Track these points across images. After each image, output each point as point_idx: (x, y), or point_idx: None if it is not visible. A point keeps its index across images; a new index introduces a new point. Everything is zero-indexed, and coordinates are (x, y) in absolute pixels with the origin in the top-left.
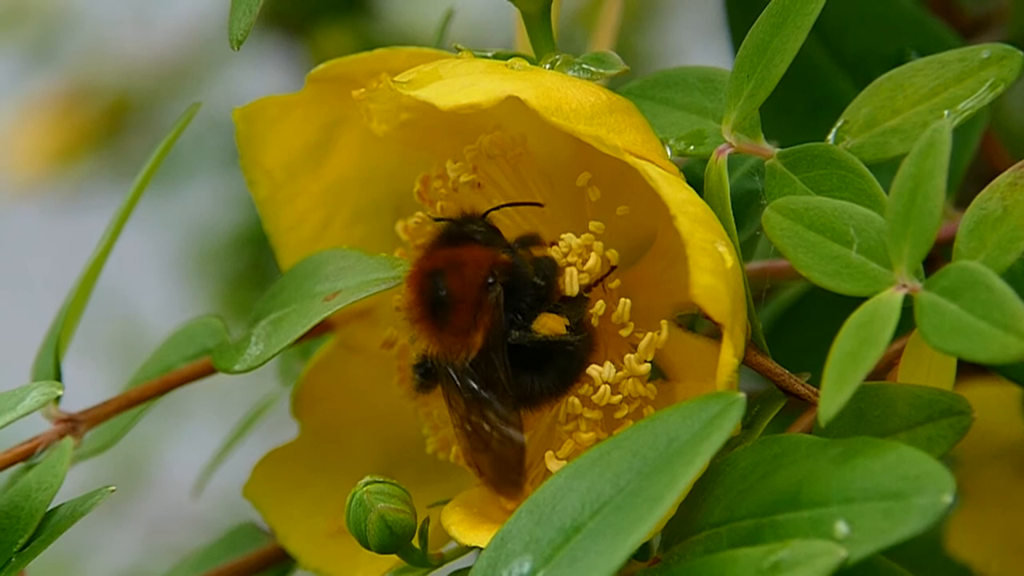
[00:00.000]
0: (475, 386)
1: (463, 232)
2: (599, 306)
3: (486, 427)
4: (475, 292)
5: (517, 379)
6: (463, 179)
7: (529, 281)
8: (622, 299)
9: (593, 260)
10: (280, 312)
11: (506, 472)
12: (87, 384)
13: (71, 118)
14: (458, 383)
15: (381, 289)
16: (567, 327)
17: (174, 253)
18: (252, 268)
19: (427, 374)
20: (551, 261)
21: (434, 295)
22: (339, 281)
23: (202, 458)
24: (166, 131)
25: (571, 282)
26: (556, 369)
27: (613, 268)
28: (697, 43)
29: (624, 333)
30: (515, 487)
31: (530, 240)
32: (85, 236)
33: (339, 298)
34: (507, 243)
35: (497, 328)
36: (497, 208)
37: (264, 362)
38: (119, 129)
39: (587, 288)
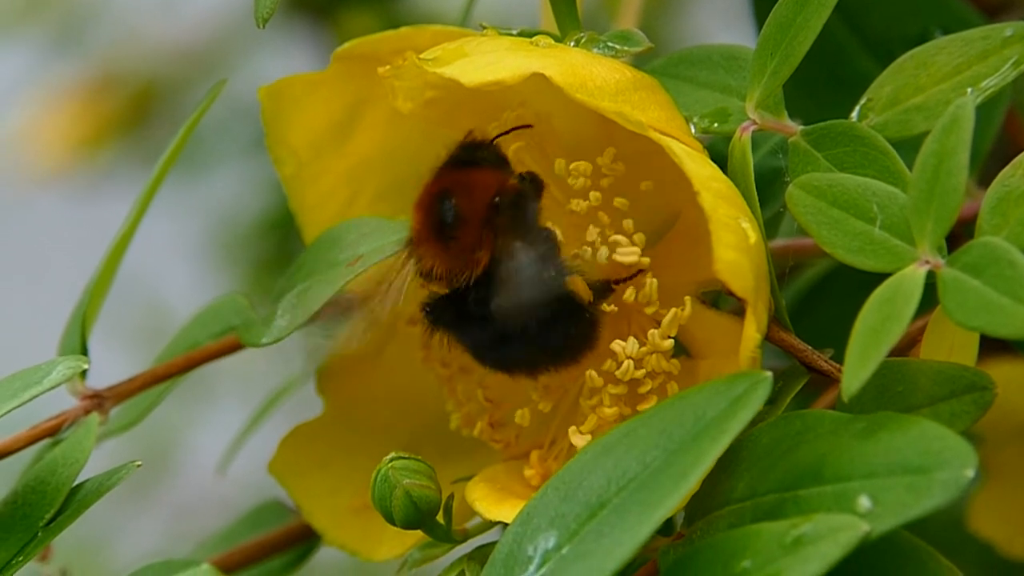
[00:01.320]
0: (477, 303)
1: (472, 157)
2: (628, 292)
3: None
4: (482, 210)
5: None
6: None
7: (536, 209)
8: (648, 278)
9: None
10: (305, 283)
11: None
12: (116, 369)
13: (97, 106)
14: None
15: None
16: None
17: (201, 239)
18: (278, 253)
19: (436, 311)
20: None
21: (441, 214)
22: (360, 247)
23: (225, 443)
24: (194, 112)
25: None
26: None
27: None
28: (721, 25)
29: (649, 310)
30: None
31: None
32: (110, 223)
33: (361, 262)
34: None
35: (502, 247)
36: (504, 133)
37: (291, 331)
38: (145, 116)
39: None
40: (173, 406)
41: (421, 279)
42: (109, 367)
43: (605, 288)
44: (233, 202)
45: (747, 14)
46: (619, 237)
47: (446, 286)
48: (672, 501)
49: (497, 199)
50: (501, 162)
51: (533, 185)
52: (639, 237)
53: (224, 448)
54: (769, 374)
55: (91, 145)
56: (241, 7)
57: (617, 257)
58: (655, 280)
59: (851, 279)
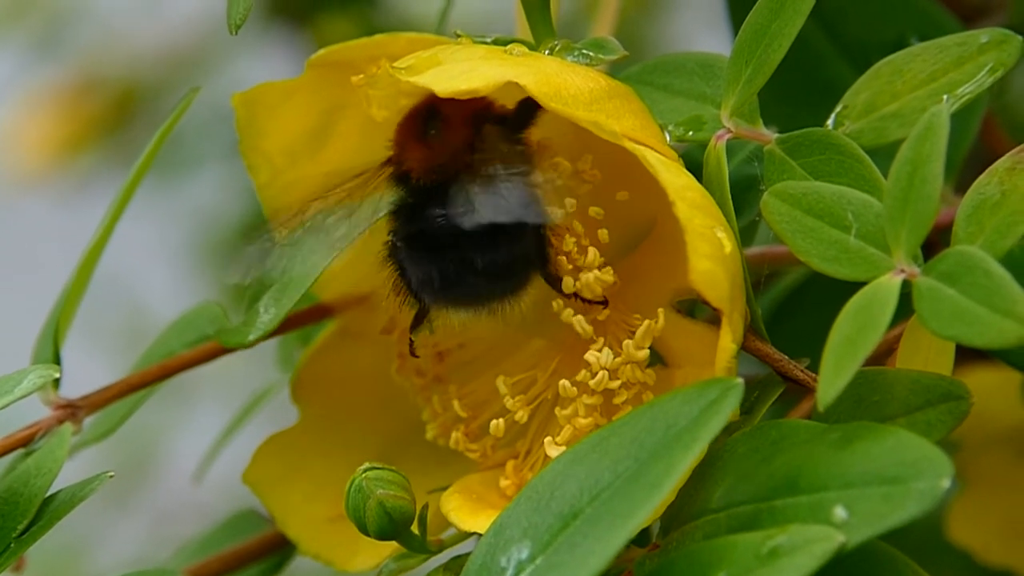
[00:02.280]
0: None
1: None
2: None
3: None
4: (465, 115)
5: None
6: None
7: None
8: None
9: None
10: (284, 279)
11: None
12: (94, 374)
13: (78, 109)
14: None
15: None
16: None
17: (181, 243)
18: None
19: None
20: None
21: (424, 118)
22: None
23: (205, 449)
24: (170, 117)
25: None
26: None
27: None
28: (700, 30)
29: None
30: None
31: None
32: (92, 226)
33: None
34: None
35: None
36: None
37: (277, 323)
38: (126, 120)
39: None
40: (152, 411)
41: (395, 190)
42: (89, 371)
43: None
44: (214, 205)
45: (725, 17)
46: (589, 265)
47: (420, 185)
48: (645, 511)
49: (482, 114)
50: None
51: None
52: (606, 271)
53: (202, 452)
54: (741, 381)
55: (73, 148)
56: (222, 11)
57: (582, 282)
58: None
59: (826, 287)
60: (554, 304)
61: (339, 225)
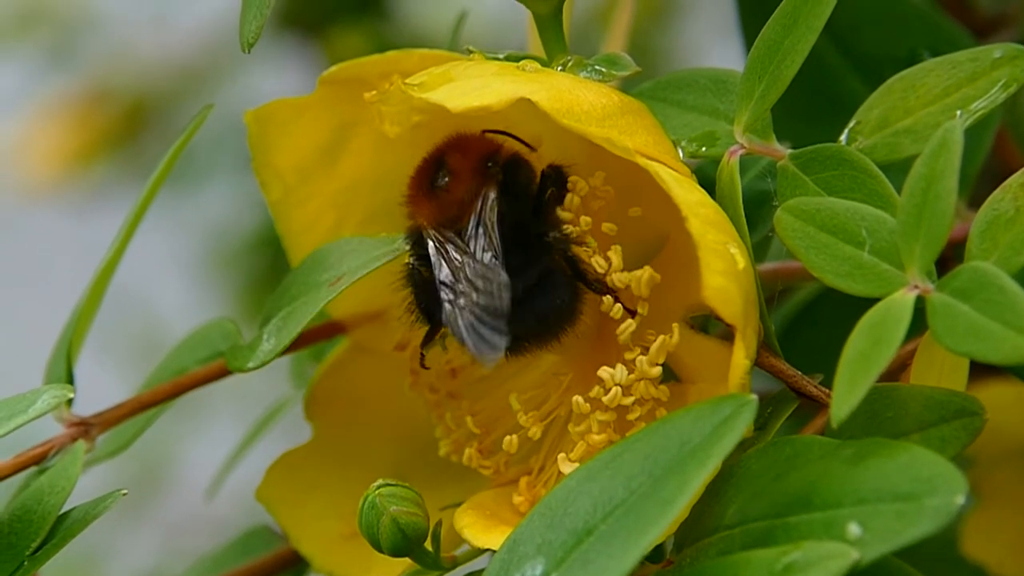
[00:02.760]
0: (462, 256)
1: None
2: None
3: (464, 280)
4: (474, 164)
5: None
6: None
7: (530, 182)
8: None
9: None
10: (289, 307)
11: (484, 330)
12: (107, 387)
13: (89, 120)
14: (448, 252)
15: (382, 263)
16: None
17: (192, 255)
18: (270, 269)
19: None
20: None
21: (434, 166)
22: (342, 266)
23: (220, 461)
24: (184, 133)
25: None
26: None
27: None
28: (712, 42)
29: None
30: (493, 347)
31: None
32: (103, 238)
33: (342, 281)
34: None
35: (492, 200)
36: (497, 132)
37: (276, 355)
38: (137, 131)
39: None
40: (164, 423)
41: (408, 245)
42: (99, 382)
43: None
44: (225, 217)
45: (737, 30)
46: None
47: (436, 236)
48: (659, 527)
49: (490, 163)
50: (493, 138)
51: (556, 175)
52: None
53: (217, 466)
54: (755, 397)
55: (84, 160)
56: (233, 23)
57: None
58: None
59: (840, 303)
60: (603, 302)
61: None
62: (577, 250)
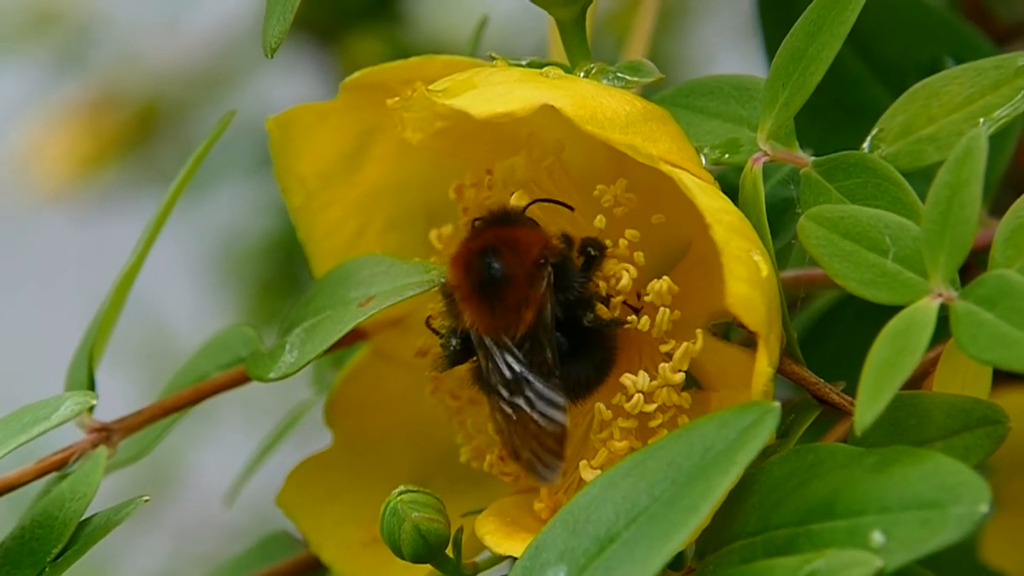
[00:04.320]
0: (519, 366)
1: (508, 216)
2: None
3: (526, 408)
4: (528, 268)
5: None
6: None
7: (575, 268)
8: (661, 308)
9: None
10: (314, 319)
11: (544, 455)
12: (116, 391)
13: (100, 125)
14: (502, 362)
15: (415, 293)
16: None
17: (203, 259)
18: (282, 274)
19: (454, 356)
20: (599, 245)
21: (486, 271)
22: (372, 287)
23: (233, 465)
24: (195, 138)
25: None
26: (595, 358)
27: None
28: (730, 46)
29: (663, 348)
30: (552, 471)
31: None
32: (114, 243)
33: (373, 303)
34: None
35: (547, 307)
36: (535, 202)
37: (298, 369)
38: (148, 136)
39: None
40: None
41: (452, 334)
42: (110, 387)
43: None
44: (237, 222)
45: (756, 33)
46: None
47: (486, 343)
48: (682, 535)
49: (542, 260)
50: (534, 224)
51: (569, 245)
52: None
53: (230, 470)
54: (778, 405)
55: (94, 164)
56: (245, 26)
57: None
58: (667, 310)
59: (863, 310)
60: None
61: None
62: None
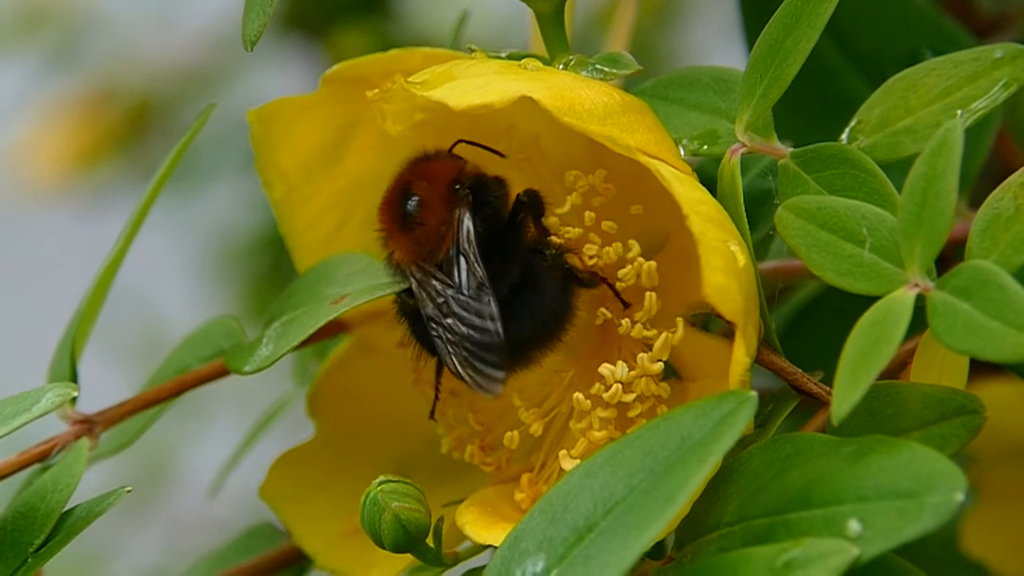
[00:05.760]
0: (444, 288)
1: (427, 156)
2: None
3: (457, 326)
4: (443, 193)
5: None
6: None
7: (492, 192)
8: (648, 293)
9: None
10: (292, 314)
11: (485, 368)
12: (109, 386)
13: (93, 121)
14: (430, 288)
15: (387, 293)
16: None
17: (196, 255)
18: (273, 270)
19: (405, 311)
20: (533, 192)
21: (403, 203)
22: (348, 285)
23: (223, 461)
24: (187, 133)
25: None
26: (546, 309)
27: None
28: (716, 43)
29: (646, 333)
30: (495, 383)
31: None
32: (108, 239)
33: (345, 302)
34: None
35: (463, 223)
36: (459, 142)
37: (272, 363)
38: (141, 132)
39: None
40: (168, 421)
41: (393, 276)
42: (102, 382)
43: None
44: (228, 218)
45: (739, 32)
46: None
47: (415, 275)
48: (659, 524)
49: (457, 185)
50: (456, 157)
51: (534, 202)
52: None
53: (220, 464)
54: (755, 394)
55: (88, 161)
56: (237, 23)
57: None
58: (653, 294)
59: (840, 301)
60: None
61: None
62: (566, 254)
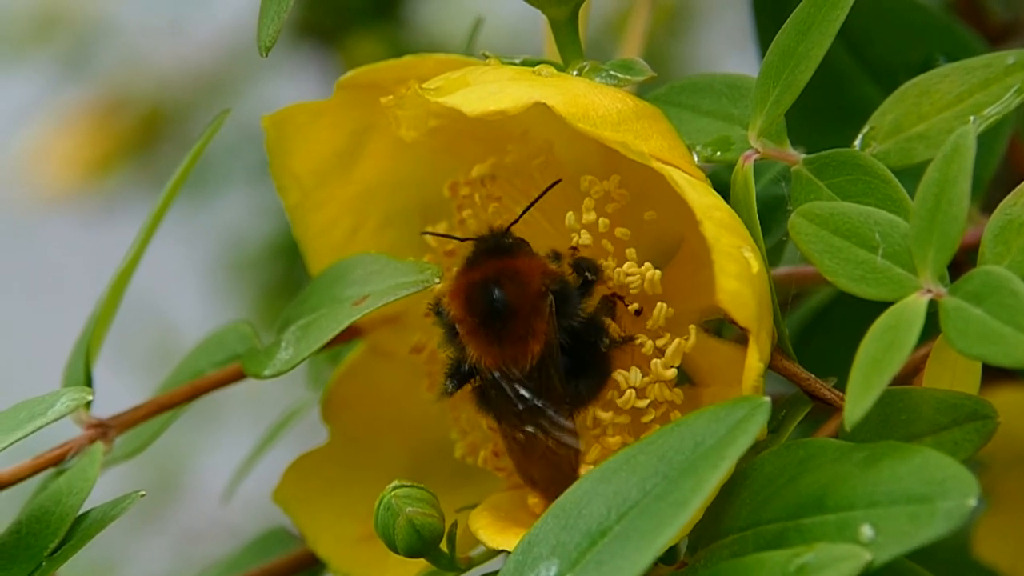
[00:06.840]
0: (529, 395)
1: (502, 245)
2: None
3: (541, 435)
4: (532, 299)
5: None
6: (484, 193)
7: (573, 291)
8: (658, 303)
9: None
10: (309, 317)
11: (561, 479)
12: (124, 394)
13: (106, 129)
14: (512, 393)
15: (409, 293)
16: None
17: (209, 263)
18: (286, 277)
19: (460, 381)
20: (594, 267)
21: (490, 305)
22: (367, 285)
23: (236, 466)
24: (200, 140)
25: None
26: (597, 371)
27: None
28: (729, 49)
29: (658, 342)
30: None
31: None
32: (120, 246)
33: (367, 302)
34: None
35: (553, 337)
36: (517, 219)
37: (293, 367)
38: (153, 139)
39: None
40: (182, 428)
41: (459, 369)
42: (116, 389)
43: (625, 339)
44: (241, 225)
45: (753, 37)
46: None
47: (495, 373)
48: (673, 529)
49: (544, 287)
50: (528, 247)
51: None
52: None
53: (232, 471)
54: (768, 400)
55: (100, 168)
56: (249, 31)
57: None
58: (664, 304)
59: (853, 307)
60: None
61: None
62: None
